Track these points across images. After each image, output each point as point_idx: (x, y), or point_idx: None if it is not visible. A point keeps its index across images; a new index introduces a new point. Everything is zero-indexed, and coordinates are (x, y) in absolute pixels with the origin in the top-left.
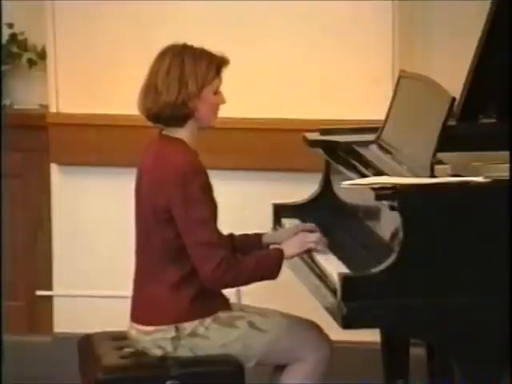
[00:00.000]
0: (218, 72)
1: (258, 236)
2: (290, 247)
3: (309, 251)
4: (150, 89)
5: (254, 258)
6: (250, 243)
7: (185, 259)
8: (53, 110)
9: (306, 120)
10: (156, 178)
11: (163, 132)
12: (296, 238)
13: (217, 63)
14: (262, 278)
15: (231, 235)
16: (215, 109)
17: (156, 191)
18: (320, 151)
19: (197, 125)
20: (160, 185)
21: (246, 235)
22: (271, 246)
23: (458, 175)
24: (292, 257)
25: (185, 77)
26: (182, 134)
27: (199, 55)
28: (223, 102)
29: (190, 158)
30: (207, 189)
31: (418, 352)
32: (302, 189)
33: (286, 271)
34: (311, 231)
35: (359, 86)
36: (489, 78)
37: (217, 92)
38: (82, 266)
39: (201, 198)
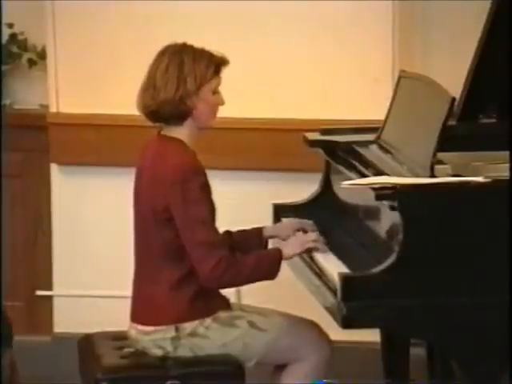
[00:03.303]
0: (217, 71)
1: (258, 230)
2: (288, 247)
3: (308, 251)
4: (149, 86)
5: (253, 258)
6: (250, 238)
7: (184, 259)
8: (53, 109)
9: (306, 120)
10: (155, 178)
11: (162, 132)
12: (295, 238)
13: (216, 63)
14: (260, 279)
15: (229, 232)
16: (214, 109)
17: (155, 191)
18: (320, 151)
19: (195, 124)
20: (159, 185)
21: (244, 231)
22: (272, 241)
23: (458, 175)
24: (291, 257)
25: (183, 74)
26: (181, 133)
27: (199, 54)
28: (222, 102)
29: (188, 158)
30: (206, 189)
31: (418, 352)
32: (301, 189)
33: (285, 271)
34: (309, 229)
35: (359, 86)
36: (489, 77)
37: (216, 92)
38: (81, 266)
39: (200, 198)
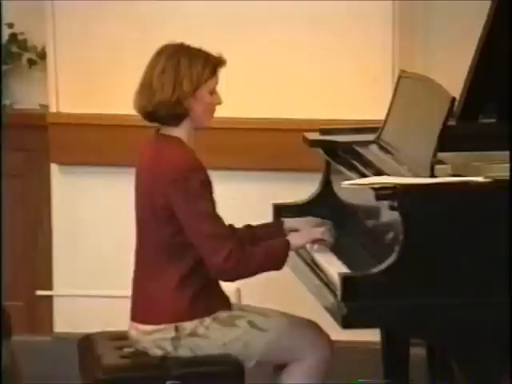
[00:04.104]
0: (213, 72)
1: (279, 222)
2: (297, 238)
3: (314, 242)
4: (145, 87)
5: (262, 249)
6: (272, 230)
7: (184, 258)
8: (53, 110)
9: (306, 120)
10: (154, 177)
11: (160, 131)
12: (304, 230)
13: (213, 63)
14: (268, 269)
15: (249, 226)
16: (211, 109)
17: (155, 190)
18: (320, 151)
19: (192, 124)
20: (159, 184)
21: (266, 224)
22: (290, 233)
23: (458, 175)
24: (298, 247)
25: (180, 76)
26: (179, 132)
27: (195, 55)
28: (219, 102)
29: (187, 155)
30: (207, 185)
31: (418, 352)
32: (302, 189)
33: (285, 271)
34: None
35: (359, 86)
36: (488, 78)
37: (213, 92)
38: (82, 266)
39: (201, 194)
